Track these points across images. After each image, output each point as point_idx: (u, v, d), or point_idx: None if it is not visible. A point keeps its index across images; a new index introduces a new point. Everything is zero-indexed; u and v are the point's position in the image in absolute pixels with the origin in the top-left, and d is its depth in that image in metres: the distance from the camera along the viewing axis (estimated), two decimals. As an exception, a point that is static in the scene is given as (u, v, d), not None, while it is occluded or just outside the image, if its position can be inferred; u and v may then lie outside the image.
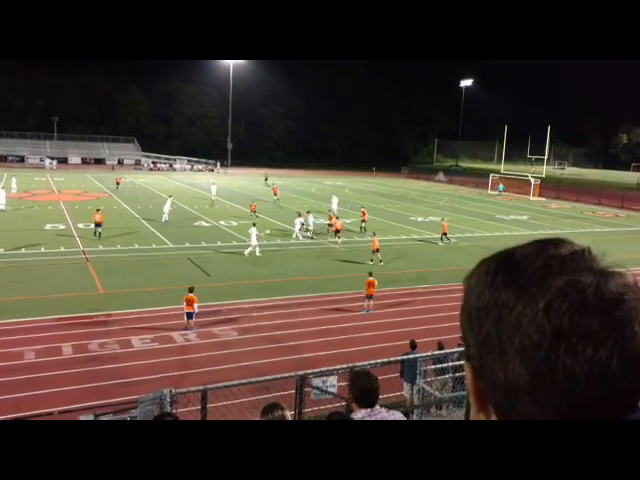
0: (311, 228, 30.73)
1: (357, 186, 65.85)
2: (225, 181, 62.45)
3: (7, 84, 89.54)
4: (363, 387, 4.36)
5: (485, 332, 0.76)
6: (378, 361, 9.49)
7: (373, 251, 24.74)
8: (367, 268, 22.67)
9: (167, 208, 32.92)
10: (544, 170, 64.11)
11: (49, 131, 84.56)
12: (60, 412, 10.76)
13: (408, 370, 11.67)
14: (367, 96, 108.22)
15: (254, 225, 26.24)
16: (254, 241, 25.44)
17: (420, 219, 39.38)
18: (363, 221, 33.14)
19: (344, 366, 8.94)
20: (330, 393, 9.62)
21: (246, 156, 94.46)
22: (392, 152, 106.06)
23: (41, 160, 74.79)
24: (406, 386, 12.13)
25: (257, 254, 25.36)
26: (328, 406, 9.17)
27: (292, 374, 8.77)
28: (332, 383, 9.76)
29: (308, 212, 32.06)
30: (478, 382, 0.80)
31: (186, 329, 16.07)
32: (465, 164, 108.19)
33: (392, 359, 10.21)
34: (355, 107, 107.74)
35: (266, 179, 60.40)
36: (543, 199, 59.29)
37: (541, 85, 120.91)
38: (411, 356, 11.19)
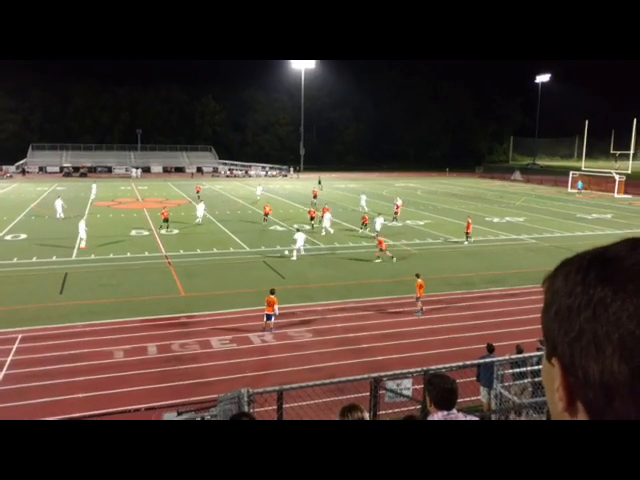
0: (378, 230, 30.45)
1: (430, 187, 64.90)
2: (298, 186, 63.38)
3: (94, 102, 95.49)
4: (443, 387, 4.29)
5: (578, 329, 0.76)
6: (454, 364, 9.38)
7: (380, 249, 25.46)
8: (436, 270, 22.41)
9: (200, 212, 35.45)
10: (629, 166, 60.51)
11: (133, 142, 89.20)
12: (146, 409, 11.40)
13: (485, 374, 11.42)
14: (438, 96, 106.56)
15: (298, 231, 26.75)
16: (299, 243, 25.77)
17: (496, 220, 38.30)
18: (396, 213, 37.07)
19: (419, 369, 8.91)
20: (404, 396, 9.60)
21: (318, 160, 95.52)
22: (466, 152, 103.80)
23: (127, 170, 79.02)
24: (483, 390, 11.89)
25: (293, 257, 25.49)
26: (403, 409, 9.17)
27: (366, 376, 8.85)
28: (407, 386, 9.71)
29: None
30: (569, 379, 0.78)
31: (264, 330, 16.50)
32: (543, 162, 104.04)
33: (468, 362, 10.05)
34: (426, 107, 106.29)
35: (319, 182, 61.25)
36: (629, 196, 56.04)
37: (624, 76, 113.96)
38: (487, 359, 10.96)
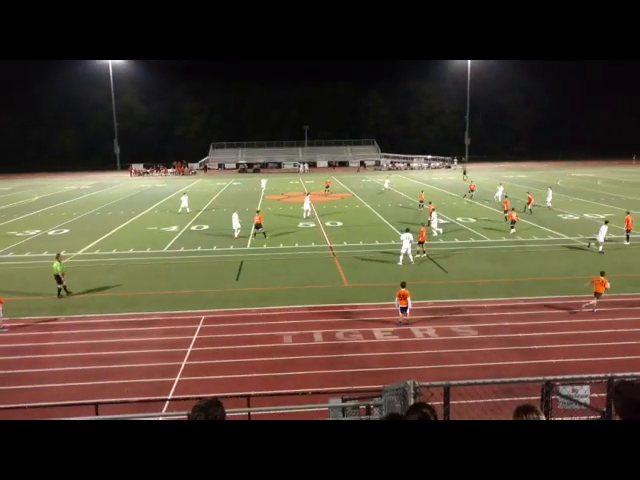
0: (601, 240, 24.87)
1: (612, 177, 58.90)
2: (462, 178, 61.45)
3: (266, 100, 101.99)
4: (631, 398, 3.88)
5: None
6: (642, 373, 8.39)
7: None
8: (620, 268, 20.26)
9: (185, 204, 38.40)
10: None
11: (300, 139, 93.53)
12: (313, 393, 11.90)
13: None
14: (624, 75, 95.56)
15: (407, 231, 23.54)
16: (406, 247, 23.01)
17: (696, 213, 33.47)
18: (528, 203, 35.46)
19: (601, 375, 8.13)
20: (582, 404, 8.85)
21: (484, 150, 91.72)
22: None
23: (295, 165, 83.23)
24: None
25: (410, 261, 23.13)
26: (582, 417, 8.47)
27: (540, 378, 8.29)
28: (585, 393, 8.95)
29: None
30: None
31: (400, 324, 16.40)
32: None
33: (660, 373, 8.91)
34: (610, 89, 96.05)
35: (464, 173, 59.27)
36: None
37: None
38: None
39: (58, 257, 20.23)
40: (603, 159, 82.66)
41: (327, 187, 50.23)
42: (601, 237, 24.59)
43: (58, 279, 19.72)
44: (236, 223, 29.46)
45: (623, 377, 7.59)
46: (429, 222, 29.01)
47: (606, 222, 25.11)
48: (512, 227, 29.22)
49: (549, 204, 37.11)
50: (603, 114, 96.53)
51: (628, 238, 26.23)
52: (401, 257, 23.21)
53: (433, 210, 29.68)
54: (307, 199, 36.68)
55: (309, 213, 36.13)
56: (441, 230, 29.06)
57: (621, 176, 59.53)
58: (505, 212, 32.65)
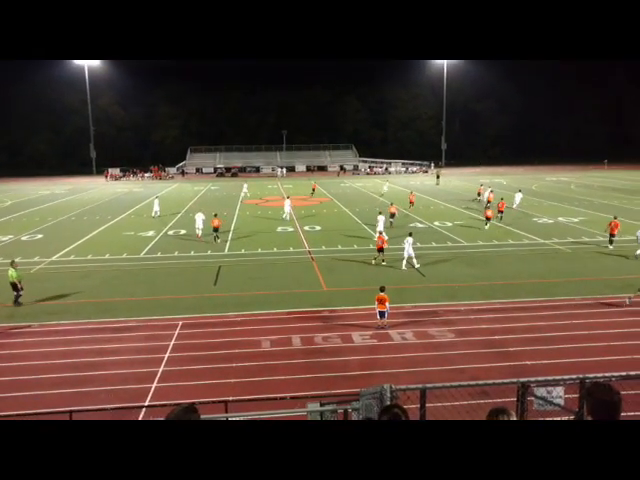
0: None
1: (585, 181, 60.06)
2: (440, 182, 62.01)
3: (244, 104, 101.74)
4: (602, 400, 3.95)
5: None
6: (615, 374, 8.55)
7: (378, 250, 23.75)
8: (594, 271, 20.65)
9: (156, 207, 38.59)
10: None
11: (279, 143, 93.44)
12: (291, 398, 11.86)
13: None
14: (597, 81, 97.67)
15: (410, 235, 23.80)
16: (409, 251, 23.12)
17: (666, 216, 34.28)
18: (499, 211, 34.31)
19: (573, 376, 8.26)
20: (556, 405, 8.98)
21: (461, 155, 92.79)
22: (629, 142, 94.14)
23: (273, 169, 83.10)
24: (649, 405, 10.71)
25: (416, 265, 23.11)
26: (555, 418, 8.58)
27: (514, 380, 8.40)
28: (559, 394, 9.08)
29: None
30: None
31: (379, 328, 16.44)
32: None
33: (632, 373, 9.09)
34: (582, 94, 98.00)
35: (438, 177, 60.43)
36: None
37: None
38: (655, 372, 9.82)
39: (12, 264, 19.42)
40: (577, 163, 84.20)
41: (313, 190, 50.38)
42: None
43: (14, 286, 19.08)
44: (199, 222, 30.32)
45: (594, 378, 7.75)
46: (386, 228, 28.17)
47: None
48: (486, 224, 31.07)
49: (515, 206, 38.98)
50: (577, 119, 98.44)
51: (611, 242, 26.11)
52: (404, 262, 23.19)
53: (380, 213, 29.19)
54: (287, 202, 37.02)
55: (288, 216, 36.29)
56: (386, 237, 25.19)
57: (594, 180, 60.73)
58: (500, 212, 34.12)
